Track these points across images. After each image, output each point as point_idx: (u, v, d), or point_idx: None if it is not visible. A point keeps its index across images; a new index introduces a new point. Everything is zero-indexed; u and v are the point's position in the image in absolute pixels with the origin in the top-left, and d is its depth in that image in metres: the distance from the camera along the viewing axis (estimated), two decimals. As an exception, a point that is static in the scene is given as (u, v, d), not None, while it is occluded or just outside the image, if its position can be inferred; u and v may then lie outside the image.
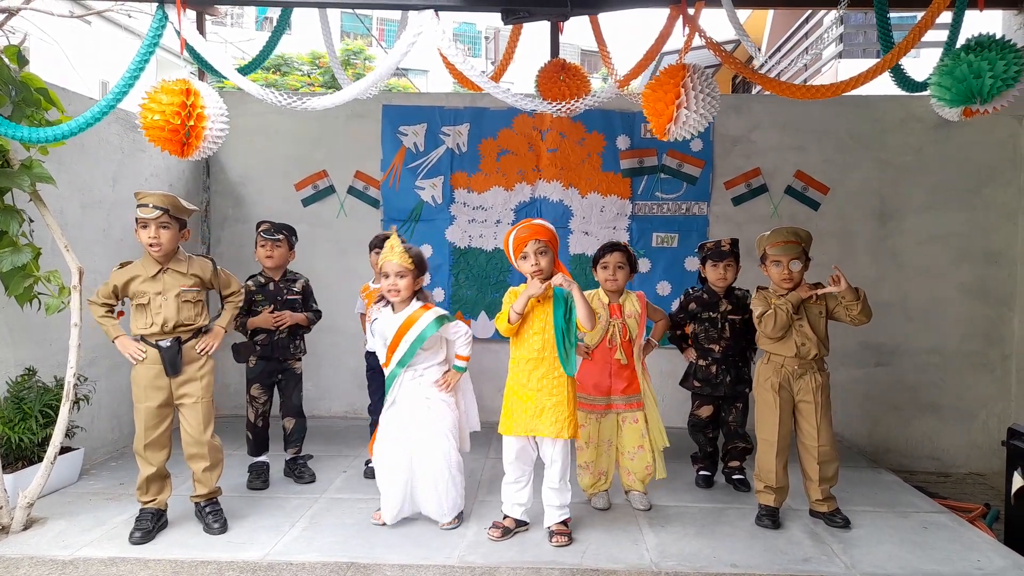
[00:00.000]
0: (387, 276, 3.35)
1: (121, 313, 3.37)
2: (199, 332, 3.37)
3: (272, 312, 3.97)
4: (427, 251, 5.38)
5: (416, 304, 3.40)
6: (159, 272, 3.28)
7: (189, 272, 3.32)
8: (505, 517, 3.41)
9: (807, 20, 10.21)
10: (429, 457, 3.39)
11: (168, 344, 3.24)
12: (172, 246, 3.28)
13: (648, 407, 3.69)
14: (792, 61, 10.76)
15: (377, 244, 4.18)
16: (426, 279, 3.58)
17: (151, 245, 3.22)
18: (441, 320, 3.39)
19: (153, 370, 3.25)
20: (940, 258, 5.42)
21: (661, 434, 3.70)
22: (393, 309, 3.43)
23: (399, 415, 3.44)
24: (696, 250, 4.25)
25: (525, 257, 3.25)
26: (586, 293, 3.73)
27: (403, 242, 3.39)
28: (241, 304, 3.61)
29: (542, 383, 3.26)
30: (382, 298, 3.49)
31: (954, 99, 2.68)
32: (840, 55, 9.23)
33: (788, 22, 11.35)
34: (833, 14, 9.68)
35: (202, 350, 3.34)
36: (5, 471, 3.47)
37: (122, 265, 3.33)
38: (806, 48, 10.42)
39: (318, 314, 4.21)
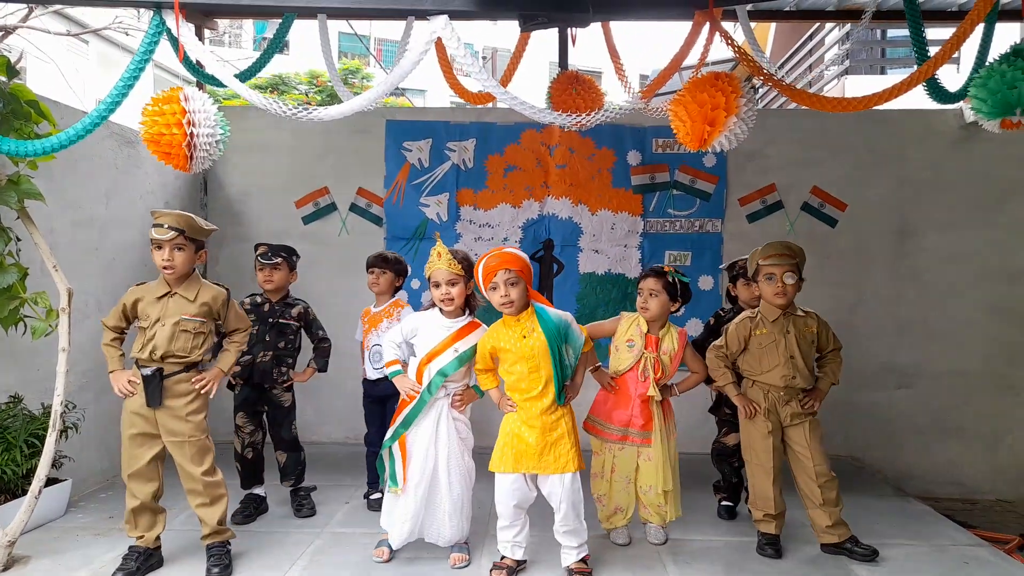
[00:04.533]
0: (437, 286, 3.22)
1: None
2: (193, 367, 3.11)
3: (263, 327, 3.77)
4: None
5: (468, 316, 3.33)
6: (165, 295, 3.09)
7: (197, 300, 3.09)
8: (503, 558, 3.17)
9: (810, 37, 10.13)
10: (450, 475, 3.21)
11: (149, 373, 3.01)
12: (186, 268, 3.09)
13: (657, 444, 3.43)
14: (795, 78, 10.66)
15: (373, 263, 3.98)
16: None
17: (164, 268, 3.04)
18: None
19: (140, 399, 3.04)
20: (962, 277, 5.25)
21: (666, 476, 3.43)
22: (442, 313, 3.29)
23: (424, 433, 3.24)
24: (726, 268, 4.08)
25: (495, 288, 3.06)
26: (629, 315, 3.56)
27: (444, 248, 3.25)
28: (244, 348, 3.34)
29: (544, 420, 3.06)
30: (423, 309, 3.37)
31: (992, 111, 2.60)
32: (846, 72, 9.14)
33: (791, 40, 11.27)
34: (837, 32, 9.61)
35: (197, 385, 3.08)
36: (-14, 506, 3.26)
37: (139, 284, 3.17)
38: (810, 65, 10.33)
39: (322, 346, 3.95)
